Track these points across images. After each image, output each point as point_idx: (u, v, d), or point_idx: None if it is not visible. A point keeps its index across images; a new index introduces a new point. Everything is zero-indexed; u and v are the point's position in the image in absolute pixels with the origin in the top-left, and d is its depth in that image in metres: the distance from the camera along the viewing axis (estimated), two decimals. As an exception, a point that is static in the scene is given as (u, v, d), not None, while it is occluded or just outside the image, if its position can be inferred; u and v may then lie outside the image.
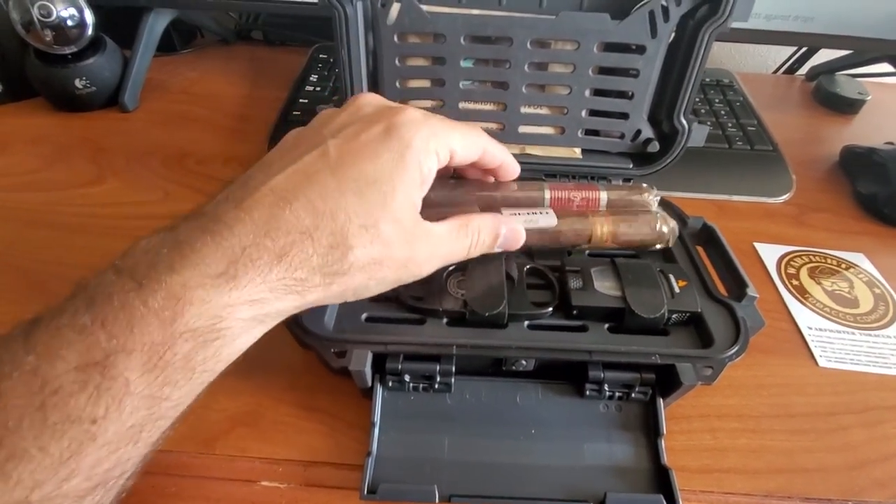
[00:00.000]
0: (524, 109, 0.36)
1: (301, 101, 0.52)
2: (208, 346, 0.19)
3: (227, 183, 0.23)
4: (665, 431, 0.26)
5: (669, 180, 0.42)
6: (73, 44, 0.47)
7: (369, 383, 0.26)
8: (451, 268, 0.29)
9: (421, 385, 0.27)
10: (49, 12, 0.45)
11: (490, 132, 0.29)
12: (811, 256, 0.40)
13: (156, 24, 0.54)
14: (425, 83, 0.36)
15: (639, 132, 0.37)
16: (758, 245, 0.40)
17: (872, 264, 0.39)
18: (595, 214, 0.31)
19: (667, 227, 0.31)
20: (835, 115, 0.58)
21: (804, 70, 0.67)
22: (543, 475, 0.25)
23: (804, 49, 0.66)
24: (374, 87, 0.35)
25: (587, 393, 0.27)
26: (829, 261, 0.40)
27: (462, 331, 0.27)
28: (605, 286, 0.28)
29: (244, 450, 0.27)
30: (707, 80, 0.58)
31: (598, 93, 0.36)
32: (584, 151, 0.38)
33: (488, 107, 0.37)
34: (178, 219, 0.21)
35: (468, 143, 0.26)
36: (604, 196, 0.32)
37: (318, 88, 0.54)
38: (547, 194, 0.31)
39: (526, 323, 0.28)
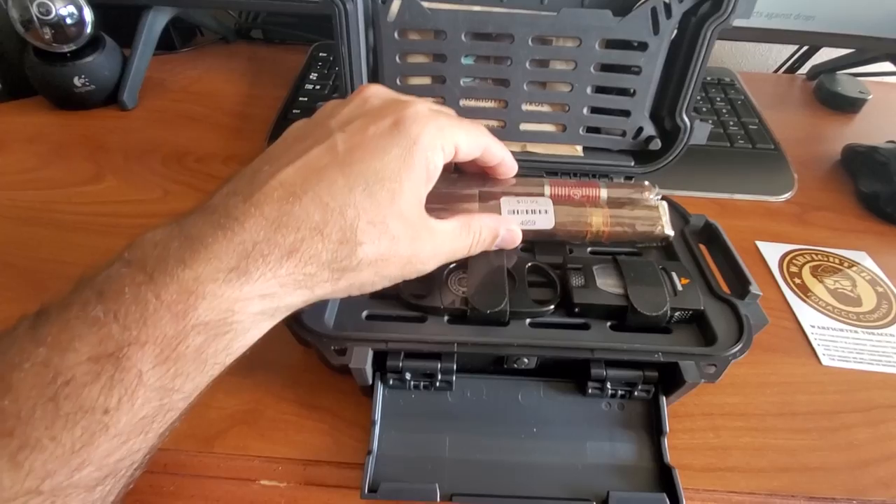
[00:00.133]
0: (525, 107, 0.36)
1: (301, 99, 0.51)
2: (220, 339, 0.20)
3: (230, 176, 0.23)
4: (668, 430, 0.26)
5: (671, 179, 0.42)
6: (73, 42, 0.47)
7: (370, 381, 0.26)
8: (451, 265, 0.29)
9: (422, 383, 0.27)
10: (48, 10, 0.45)
11: (491, 130, 0.29)
12: (813, 255, 0.40)
13: (155, 23, 0.54)
14: (426, 80, 0.36)
15: (640, 130, 0.36)
16: (760, 244, 0.40)
17: (875, 263, 0.39)
18: (593, 206, 0.31)
19: (664, 213, 0.31)
20: (836, 114, 0.58)
21: (805, 69, 0.66)
22: (545, 474, 0.25)
23: (805, 48, 0.66)
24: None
25: (589, 391, 0.27)
26: (831, 259, 0.39)
27: (463, 328, 0.27)
28: (607, 284, 0.28)
29: (243, 448, 0.27)
30: (708, 78, 0.58)
31: (599, 90, 0.36)
32: (585, 149, 0.38)
33: (489, 104, 0.37)
34: (183, 213, 0.21)
35: (472, 140, 0.26)
36: (604, 193, 0.32)
37: (317, 87, 0.53)
38: (547, 191, 0.31)
39: (527, 321, 0.28)
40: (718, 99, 0.55)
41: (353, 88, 0.34)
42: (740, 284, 0.29)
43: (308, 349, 0.28)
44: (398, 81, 0.35)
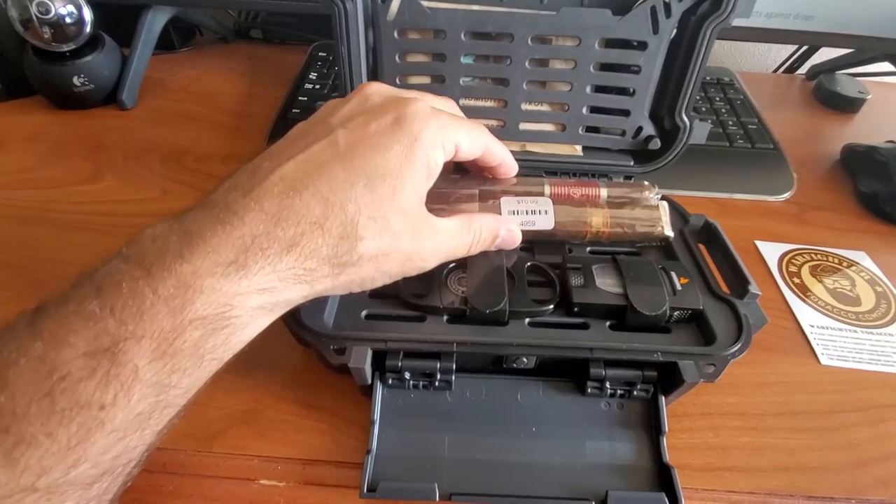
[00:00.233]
0: (525, 106, 0.36)
1: (300, 98, 0.51)
2: (217, 333, 0.20)
3: (231, 173, 0.23)
4: (667, 429, 0.26)
5: (670, 178, 0.42)
6: (72, 41, 0.47)
7: (369, 381, 0.26)
8: (451, 265, 0.29)
9: (421, 382, 0.27)
10: (47, 9, 0.44)
11: (491, 129, 0.29)
12: (812, 254, 0.40)
13: (154, 22, 0.53)
14: (425, 79, 0.36)
15: (640, 129, 0.36)
16: (759, 243, 0.40)
17: (874, 262, 0.39)
18: (593, 206, 0.31)
19: (664, 213, 0.31)
20: (835, 114, 0.58)
21: (804, 69, 0.66)
22: (544, 473, 0.25)
23: (804, 48, 0.66)
24: (374, 83, 0.35)
25: (588, 391, 0.27)
26: (830, 259, 0.39)
27: (462, 328, 0.27)
28: (606, 283, 0.28)
29: (242, 448, 0.27)
30: (708, 78, 0.58)
31: (599, 89, 0.36)
32: (584, 149, 0.38)
33: (489, 104, 0.37)
34: (184, 209, 0.21)
35: (472, 139, 0.26)
36: (604, 193, 0.32)
37: (317, 86, 0.53)
38: (547, 191, 0.31)
39: (527, 320, 0.28)
40: (718, 98, 0.55)
41: (352, 88, 0.34)
42: (739, 284, 0.29)
43: (307, 349, 0.28)
44: (398, 81, 0.35)
